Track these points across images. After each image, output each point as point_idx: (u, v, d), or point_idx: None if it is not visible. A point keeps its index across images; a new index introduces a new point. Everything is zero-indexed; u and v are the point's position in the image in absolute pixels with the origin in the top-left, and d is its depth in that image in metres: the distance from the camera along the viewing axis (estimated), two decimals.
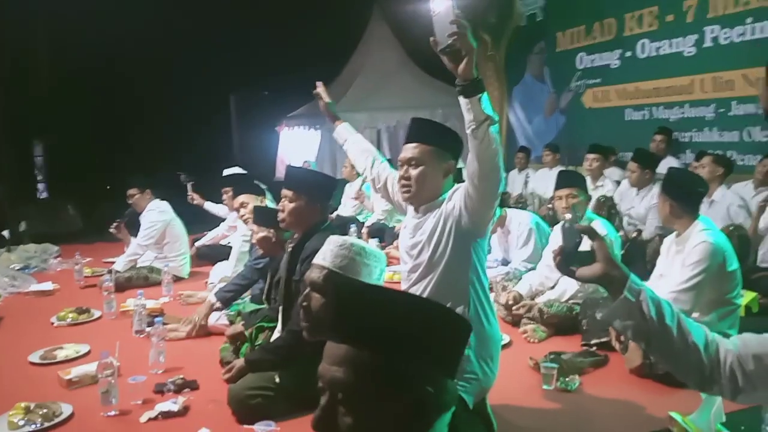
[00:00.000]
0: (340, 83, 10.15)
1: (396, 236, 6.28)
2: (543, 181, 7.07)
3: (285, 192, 2.93)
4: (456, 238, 2.29)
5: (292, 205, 2.89)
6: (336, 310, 0.98)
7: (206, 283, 5.07)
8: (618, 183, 5.95)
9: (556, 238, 4.06)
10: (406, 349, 0.93)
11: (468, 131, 2.03)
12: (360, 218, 7.04)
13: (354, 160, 2.84)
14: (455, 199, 2.30)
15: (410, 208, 2.51)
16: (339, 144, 2.92)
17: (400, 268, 5.46)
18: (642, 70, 6.72)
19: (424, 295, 2.32)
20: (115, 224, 5.68)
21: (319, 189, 2.95)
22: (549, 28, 8.07)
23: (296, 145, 10.20)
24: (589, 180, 5.17)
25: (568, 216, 1.85)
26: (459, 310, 2.29)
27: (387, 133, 9.66)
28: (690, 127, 6.19)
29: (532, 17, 8.39)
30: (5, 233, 6.61)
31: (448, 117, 9.52)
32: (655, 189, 5.26)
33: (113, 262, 5.47)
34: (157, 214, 5.41)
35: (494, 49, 8.82)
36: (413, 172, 2.35)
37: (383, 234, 6.36)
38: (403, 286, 2.48)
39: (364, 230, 6.45)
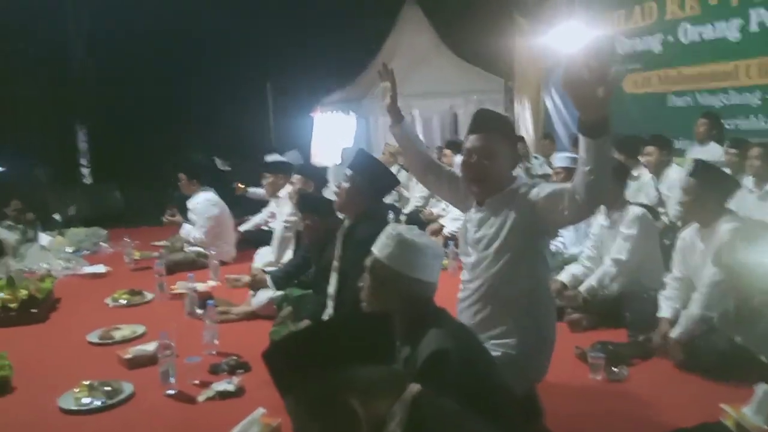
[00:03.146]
0: (374, 68, 10.14)
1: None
2: None
3: (347, 172, 3.00)
4: (528, 234, 2.29)
5: (347, 185, 2.94)
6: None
7: (251, 267, 5.19)
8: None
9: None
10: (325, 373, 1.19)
11: (583, 168, 1.94)
12: (397, 205, 7.07)
13: (410, 164, 2.84)
14: (536, 198, 2.24)
15: (473, 203, 2.48)
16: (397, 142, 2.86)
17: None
18: (684, 56, 6.55)
19: (485, 287, 2.35)
20: (168, 211, 5.76)
21: (375, 178, 2.96)
22: (587, 12, 7.92)
23: (331, 129, 10.25)
24: None
25: None
26: (522, 303, 2.33)
27: (421, 119, 9.64)
28: (735, 114, 6.05)
29: (569, 1, 8.25)
30: (56, 216, 6.83)
31: (482, 102, 9.44)
32: (673, 172, 5.06)
33: (161, 246, 5.62)
34: (210, 207, 5.53)
35: (530, 32, 8.70)
36: (485, 161, 2.32)
37: (421, 222, 6.37)
38: (463, 278, 2.51)
39: (402, 218, 6.47)
